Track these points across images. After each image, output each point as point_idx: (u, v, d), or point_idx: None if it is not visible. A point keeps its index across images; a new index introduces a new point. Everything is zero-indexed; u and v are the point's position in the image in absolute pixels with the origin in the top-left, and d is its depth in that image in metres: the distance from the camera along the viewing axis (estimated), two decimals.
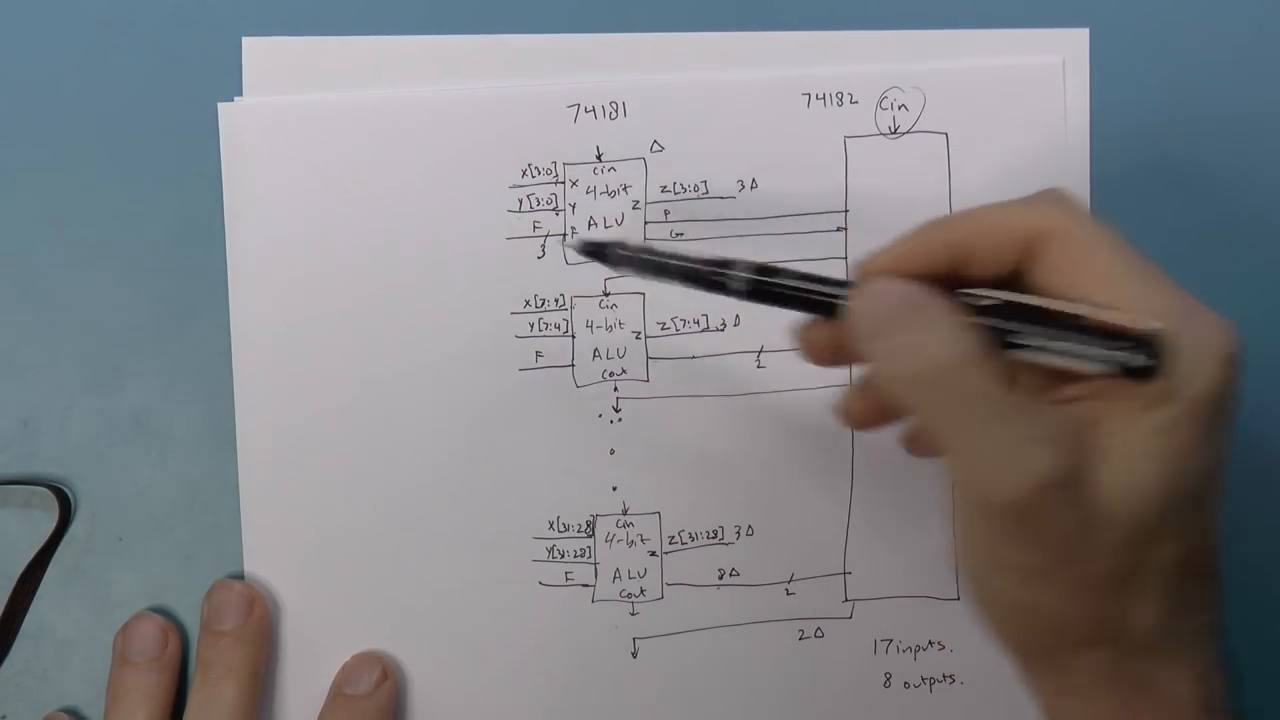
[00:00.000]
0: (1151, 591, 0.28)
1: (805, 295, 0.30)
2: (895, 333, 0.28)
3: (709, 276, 0.31)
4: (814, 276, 0.31)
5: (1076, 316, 0.28)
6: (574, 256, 0.39)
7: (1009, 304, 0.29)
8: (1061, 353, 0.28)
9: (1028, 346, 0.28)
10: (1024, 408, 0.27)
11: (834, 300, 0.30)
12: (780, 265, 0.31)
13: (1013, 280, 0.29)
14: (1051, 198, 0.30)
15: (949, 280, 0.29)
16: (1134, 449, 0.27)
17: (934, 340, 0.27)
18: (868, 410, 0.33)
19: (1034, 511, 0.27)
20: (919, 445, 0.35)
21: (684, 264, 0.32)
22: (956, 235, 0.30)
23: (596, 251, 0.34)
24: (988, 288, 0.29)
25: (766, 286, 0.31)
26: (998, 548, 0.28)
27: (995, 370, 0.27)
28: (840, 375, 0.40)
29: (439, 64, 0.39)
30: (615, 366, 0.39)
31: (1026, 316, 0.28)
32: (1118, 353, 0.27)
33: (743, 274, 0.31)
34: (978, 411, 0.27)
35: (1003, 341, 0.28)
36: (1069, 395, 0.28)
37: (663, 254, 0.32)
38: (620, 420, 0.39)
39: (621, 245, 0.33)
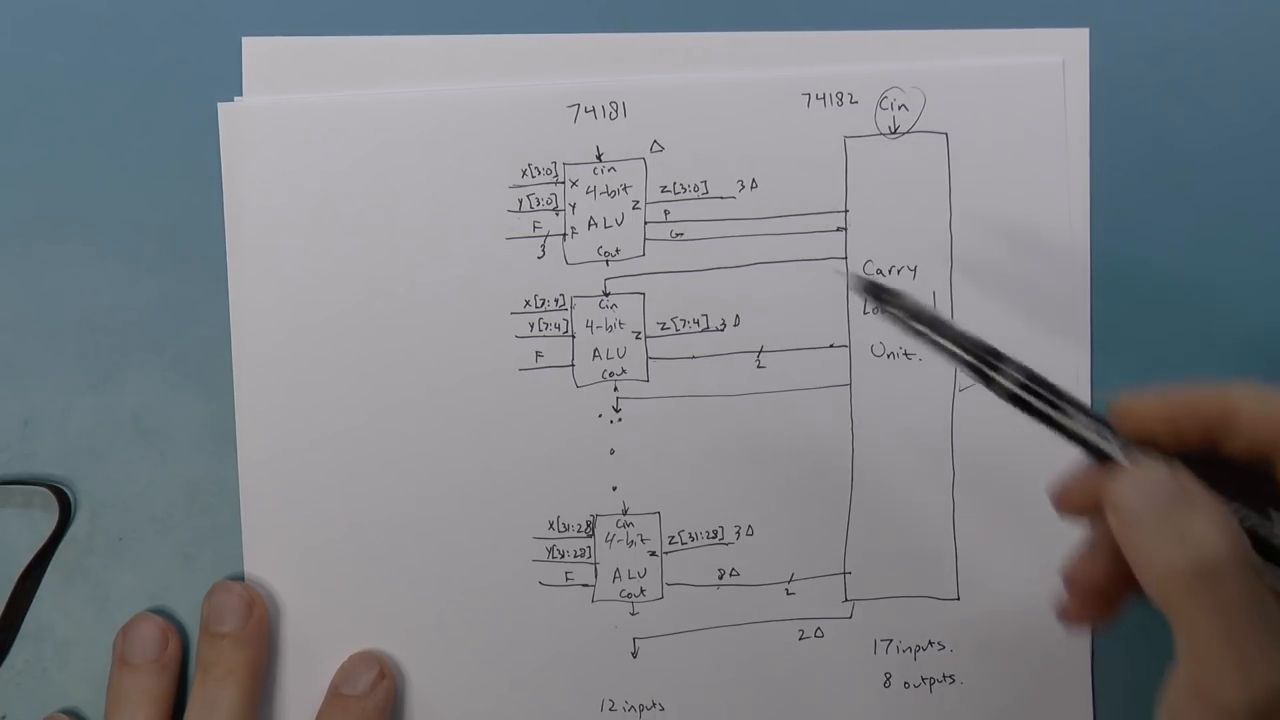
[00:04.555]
0: None
1: (1067, 427, 0.30)
2: (1165, 522, 0.28)
3: (978, 366, 0.31)
4: (1082, 406, 0.30)
5: None
6: (574, 256, 0.39)
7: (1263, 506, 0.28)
8: None
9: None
10: (1276, 616, 0.27)
11: (1102, 448, 0.30)
12: (1048, 380, 0.31)
13: (1259, 466, 0.29)
14: None
15: (1201, 448, 0.29)
16: None
17: (1208, 533, 0.27)
18: (1094, 585, 0.33)
19: (1265, 717, 0.26)
20: (1074, 617, 0.34)
21: (955, 346, 0.31)
22: (1236, 403, 0.30)
23: (877, 292, 0.33)
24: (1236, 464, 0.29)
25: (1030, 401, 0.30)
26: None
27: (1254, 571, 0.27)
28: (840, 376, 0.39)
29: (439, 64, 0.39)
30: (615, 366, 0.39)
31: None
32: None
33: (1011, 377, 0.31)
34: (1240, 614, 0.27)
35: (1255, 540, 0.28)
36: None
37: (938, 324, 0.32)
38: (620, 420, 0.39)
39: (901, 299, 0.32)
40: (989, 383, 0.31)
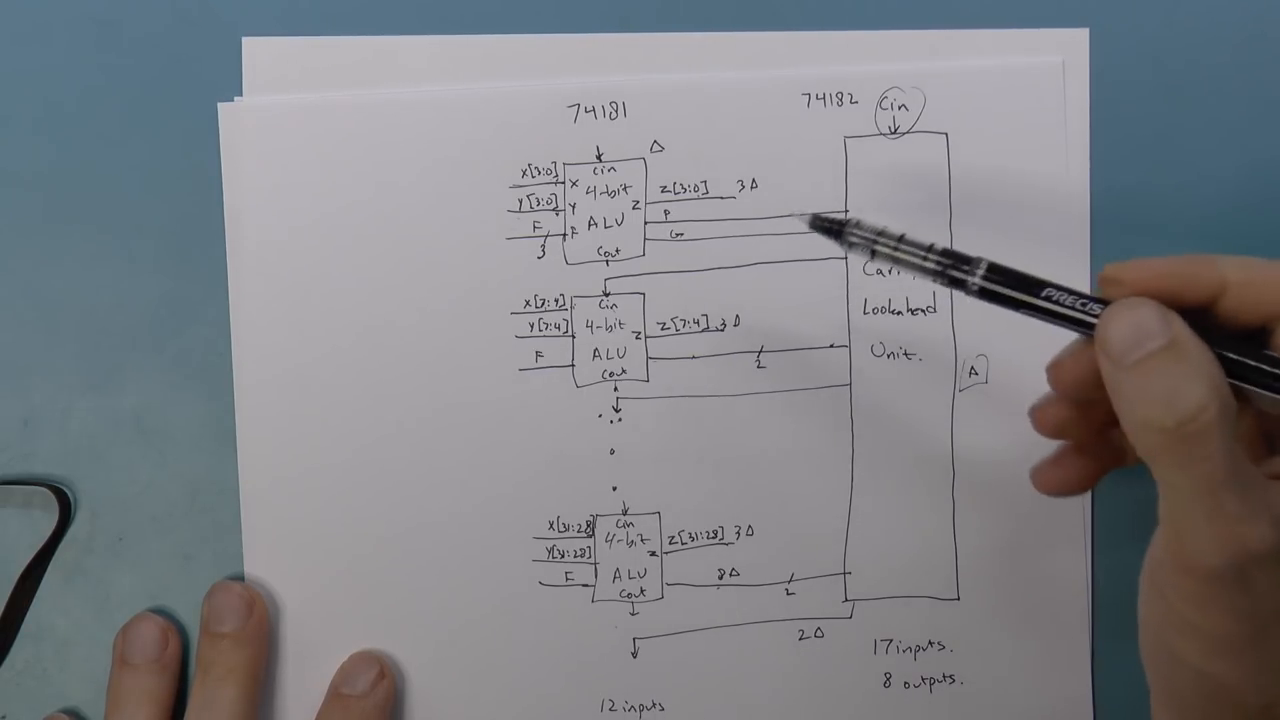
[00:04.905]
0: None
1: (1044, 302, 0.29)
2: (1151, 374, 0.27)
3: (944, 271, 0.31)
4: (1055, 284, 0.30)
5: None
6: (574, 256, 0.39)
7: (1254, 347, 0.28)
8: None
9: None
10: (1255, 478, 0.27)
11: (1081, 314, 0.29)
12: (1015, 270, 0.30)
13: (1247, 334, 0.29)
14: None
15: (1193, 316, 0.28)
16: None
17: (1193, 392, 0.26)
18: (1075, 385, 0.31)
19: (1238, 583, 0.26)
20: (1047, 481, 0.34)
21: (920, 255, 0.31)
22: (1226, 271, 0.29)
23: (831, 228, 0.33)
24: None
25: (1004, 284, 0.30)
26: (1191, 611, 0.27)
27: (1235, 433, 0.27)
28: (840, 376, 0.40)
29: (439, 64, 0.39)
30: (615, 366, 0.39)
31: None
32: None
33: (980, 274, 0.30)
34: (1218, 474, 0.26)
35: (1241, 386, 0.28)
36: None
37: (898, 239, 0.31)
38: (620, 420, 0.39)
39: (858, 225, 0.32)
40: (959, 285, 0.30)
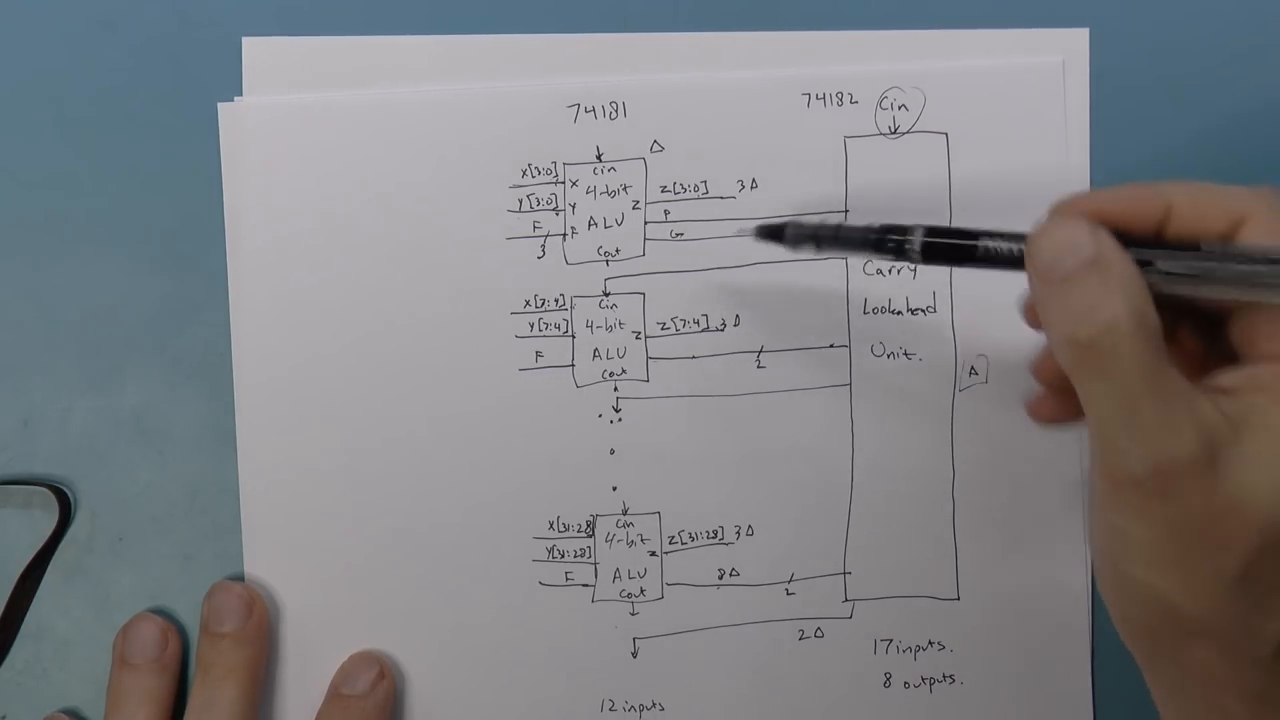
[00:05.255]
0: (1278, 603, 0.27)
1: (985, 251, 0.30)
2: (1072, 289, 0.28)
3: (885, 242, 0.32)
4: (992, 231, 0.30)
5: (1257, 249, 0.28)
6: (574, 256, 0.39)
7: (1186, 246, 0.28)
8: (1241, 280, 0.27)
9: (1205, 281, 0.28)
10: (1178, 388, 0.27)
11: (1015, 251, 0.30)
12: (951, 227, 0.32)
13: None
14: (1273, 192, 0.29)
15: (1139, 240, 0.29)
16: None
17: (1109, 305, 0.27)
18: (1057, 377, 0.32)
19: (1163, 491, 0.27)
20: (1043, 411, 0.35)
21: (861, 233, 0.33)
22: (1171, 197, 0.29)
23: (774, 233, 0.35)
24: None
25: (942, 245, 0.31)
26: (1121, 520, 0.28)
27: (1160, 345, 0.27)
28: (840, 376, 0.40)
29: (439, 64, 0.39)
30: (615, 366, 0.39)
31: (1207, 255, 0.28)
32: None
33: (919, 236, 0.31)
34: (1136, 384, 0.27)
35: (1176, 287, 0.28)
36: (1226, 385, 0.28)
37: (837, 227, 0.33)
38: (620, 420, 0.39)
39: (798, 225, 0.35)
40: (901, 253, 0.32)
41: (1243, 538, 0.27)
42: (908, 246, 0.32)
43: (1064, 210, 0.30)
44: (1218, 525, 0.27)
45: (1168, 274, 0.28)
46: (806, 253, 0.34)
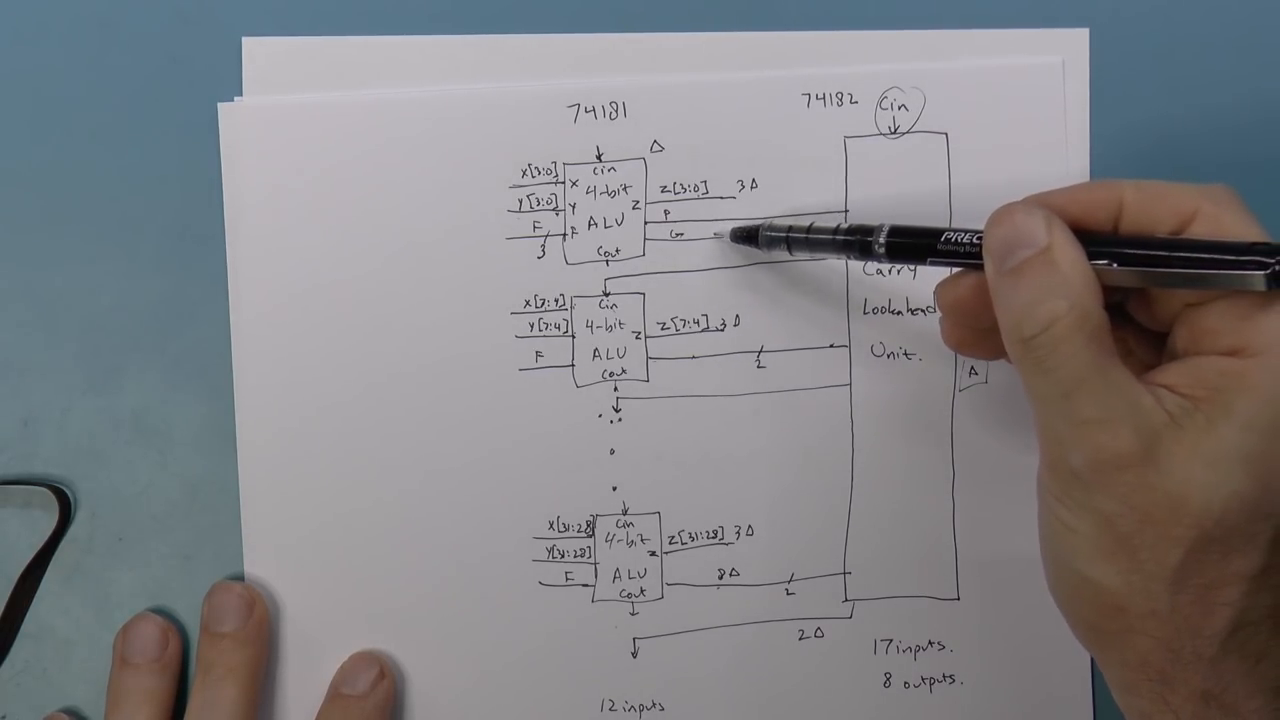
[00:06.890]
0: (1221, 600, 0.27)
1: (946, 245, 0.32)
2: (1020, 281, 0.28)
3: (853, 242, 0.34)
4: (958, 229, 0.32)
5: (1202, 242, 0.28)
6: (574, 256, 0.39)
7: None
8: (1189, 268, 0.28)
9: (1155, 270, 0.29)
10: (1120, 383, 0.27)
11: (975, 240, 0.31)
12: (915, 226, 0.33)
13: None
14: (1223, 189, 0.30)
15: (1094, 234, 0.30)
16: (1221, 446, 0.27)
17: (1054, 301, 0.28)
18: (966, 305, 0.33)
19: (1103, 484, 0.27)
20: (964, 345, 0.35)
21: (829, 234, 0.35)
22: (1123, 194, 0.30)
23: (749, 236, 0.38)
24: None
25: (906, 243, 0.33)
26: (1063, 512, 0.28)
27: (1105, 340, 0.28)
28: (840, 376, 0.40)
29: (439, 64, 0.39)
30: (615, 366, 0.39)
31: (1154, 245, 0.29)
32: (1242, 259, 0.27)
33: (884, 236, 0.33)
34: (1076, 379, 0.27)
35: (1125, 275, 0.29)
36: (1169, 381, 0.28)
37: (807, 229, 0.36)
38: (620, 420, 0.39)
39: (770, 227, 0.37)
40: (869, 252, 0.34)
41: (1182, 532, 0.27)
42: (874, 245, 0.33)
43: (1023, 204, 0.31)
44: (1157, 519, 0.27)
45: (1118, 266, 0.29)
46: (780, 254, 0.35)
